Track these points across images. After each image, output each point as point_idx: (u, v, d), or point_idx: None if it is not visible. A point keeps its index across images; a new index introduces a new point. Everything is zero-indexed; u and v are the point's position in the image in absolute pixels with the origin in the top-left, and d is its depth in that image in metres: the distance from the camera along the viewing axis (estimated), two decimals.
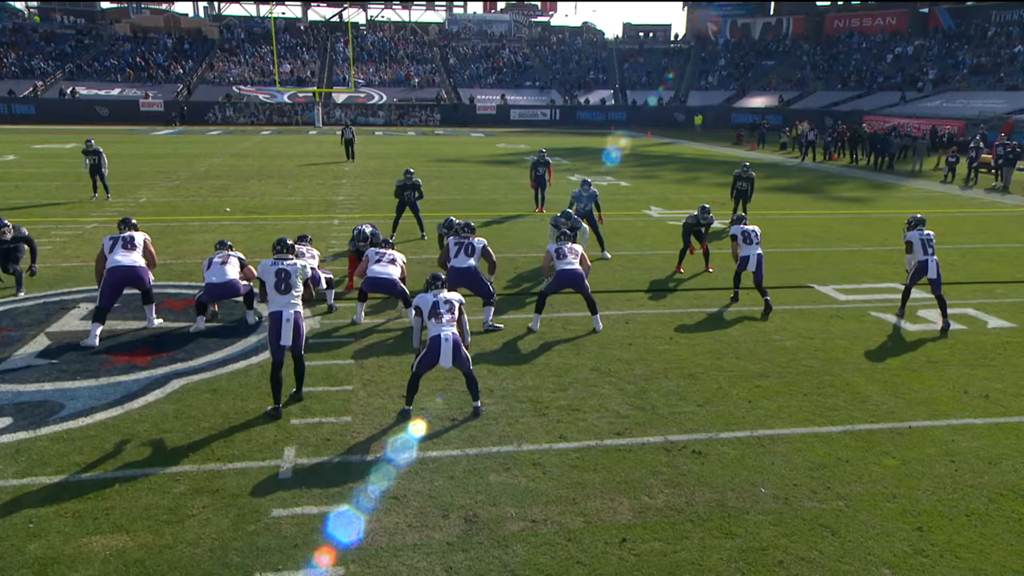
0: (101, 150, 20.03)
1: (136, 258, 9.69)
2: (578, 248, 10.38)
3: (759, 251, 11.09)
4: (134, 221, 10.31)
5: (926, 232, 10.71)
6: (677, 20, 68.36)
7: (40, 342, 9.48)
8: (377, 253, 10.44)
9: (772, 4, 64.99)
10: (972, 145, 26.67)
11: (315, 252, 11.19)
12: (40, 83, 51.99)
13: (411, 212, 16.03)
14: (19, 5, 63.87)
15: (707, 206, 13.02)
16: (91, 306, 10.81)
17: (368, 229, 11.65)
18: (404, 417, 7.53)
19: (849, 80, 52.27)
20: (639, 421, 7.51)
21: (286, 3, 64.72)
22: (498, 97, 56.16)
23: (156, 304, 10.27)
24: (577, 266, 10.01)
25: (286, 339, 7.36)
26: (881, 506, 6.09)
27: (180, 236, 15.81)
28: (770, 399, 8.07)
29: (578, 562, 5.34)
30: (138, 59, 57.27)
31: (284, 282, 7.43)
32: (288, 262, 7.53)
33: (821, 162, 32.56)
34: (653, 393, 8.16)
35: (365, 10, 66.58)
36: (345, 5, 62.69)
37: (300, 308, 7.59)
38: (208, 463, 6.60)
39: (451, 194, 22.40)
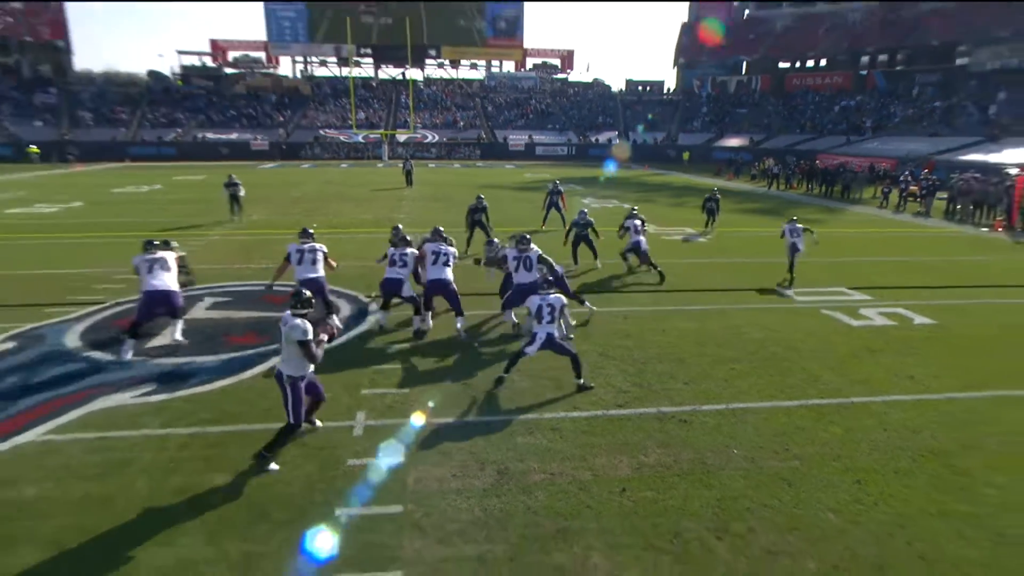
0: (239, 182, 19.96)
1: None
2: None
3: (641, 238, 12.71)
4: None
5: (797, 225, 12.88)
6: (669, 77, 68.14)
7: (178, 325, 9.48)
8: (433, 254, 9.27)
9: (744, 66, 64.58)
10: (902, 179, 26.47)
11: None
12: (180, 130, 52.69)
13: (480, 231, 15.03)
14: (165, 70, 64.87)
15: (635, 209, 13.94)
16: (215, 300, 10.90)
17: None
18: (499, 383, 7.59)
19: (805, 126, 51.88)
20: (637, 396, 7.45)
21: (361, 66, 64.91)
22: (526, 137, 55.89)
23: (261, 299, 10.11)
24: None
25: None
26: (828, 464, 6.06)
27: (278, 247, 15.83)
28: (742, 379, 7.97)
29: (587, 507, 5.33)
30: (250, 111, 57.80)
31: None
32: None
33: (783, 190, 32.23)
34: (648, 373, 8.08)
35: (422, 69, 66.73)
36: (407, 66, 62.73)
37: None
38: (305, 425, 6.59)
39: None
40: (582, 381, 7.57)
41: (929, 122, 44.57)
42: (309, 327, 5.53)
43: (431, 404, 7.12)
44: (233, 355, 8.43)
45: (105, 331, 9.29)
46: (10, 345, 8.68)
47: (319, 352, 5.64)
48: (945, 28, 50.12)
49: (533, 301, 7.49)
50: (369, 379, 7.77)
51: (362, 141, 53.50)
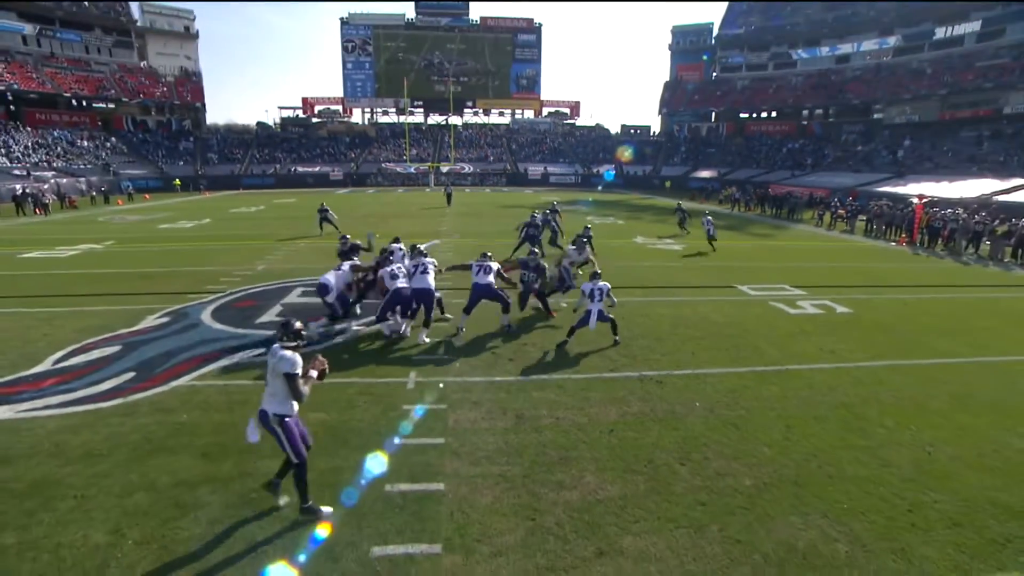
0: (329, 208, 20.19)
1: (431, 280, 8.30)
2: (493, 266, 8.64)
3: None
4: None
5: (709, 217, 12.63)
6: (655, 123, 67.66)
7: (276, 308, 9.85)
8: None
9: (713, 115, 63.79)
10: (833, 204, 26.28)
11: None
12: (278, 165, 53.53)
13: (528, 243, 14.15)
14: (269, 121, 65.95)
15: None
16: (304, 290, 11.21)
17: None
18: (561, 347, 7.98)
19: (760, 162, 51.26)
20: (624, 363, 7.54)
21: (414, 114, 65.32)
22: (542, 168, 55.82)
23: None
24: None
25: None
26: (766, 413, 6.14)
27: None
28: (705, 352, 8.03)
29: (583, 442, 5.50)
30: (330, 149, 58.54)
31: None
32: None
33: (743, 211, 31.86)
34: (634, 347, 8.16)
35: (461, 116, 67.00)
36: (449, 114, 63.08)
37: None
38: (366, 377, 6.90)
39: (509, 224, 22.36)
40: (617, 338, 8.24)
41: (853, 161, 44.21)
42: (299, 360, 4.12)
43: (466, 367, 7.33)
44: (320, 330, 8.72)
45: (228, 311, 9.68)
46: (165, 319, 9.13)
47: (306, 390, 4.15)
48: (865, 91, 50.13)
49: (586, 287, 7.90)
50: (420, 349, 7.98)
51: (414, 172, 53.88)
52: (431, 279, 8.26)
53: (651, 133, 69.00)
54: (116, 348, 7.78)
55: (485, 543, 4.01)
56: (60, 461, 4.97)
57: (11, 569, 3.72)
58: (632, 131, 68.64)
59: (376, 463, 4.97)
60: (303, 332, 4.32)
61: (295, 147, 58.05)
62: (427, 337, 8.19)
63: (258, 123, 65.82)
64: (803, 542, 4.14)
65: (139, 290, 11.22)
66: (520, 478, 4.82)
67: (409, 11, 72.21)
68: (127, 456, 5.07)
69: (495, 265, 8.65)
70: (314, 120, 63.83)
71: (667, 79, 68.05)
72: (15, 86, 46.83)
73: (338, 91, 64.41)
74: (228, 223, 23.66)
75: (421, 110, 65.88)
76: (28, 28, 50.56)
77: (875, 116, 50.27)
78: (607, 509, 4.43)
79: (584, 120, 75.52)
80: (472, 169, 55.61)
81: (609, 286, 8.01)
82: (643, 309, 10.27)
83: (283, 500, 4.39)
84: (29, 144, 43.42)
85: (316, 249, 16.55)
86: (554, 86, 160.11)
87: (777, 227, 24.92)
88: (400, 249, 9.51)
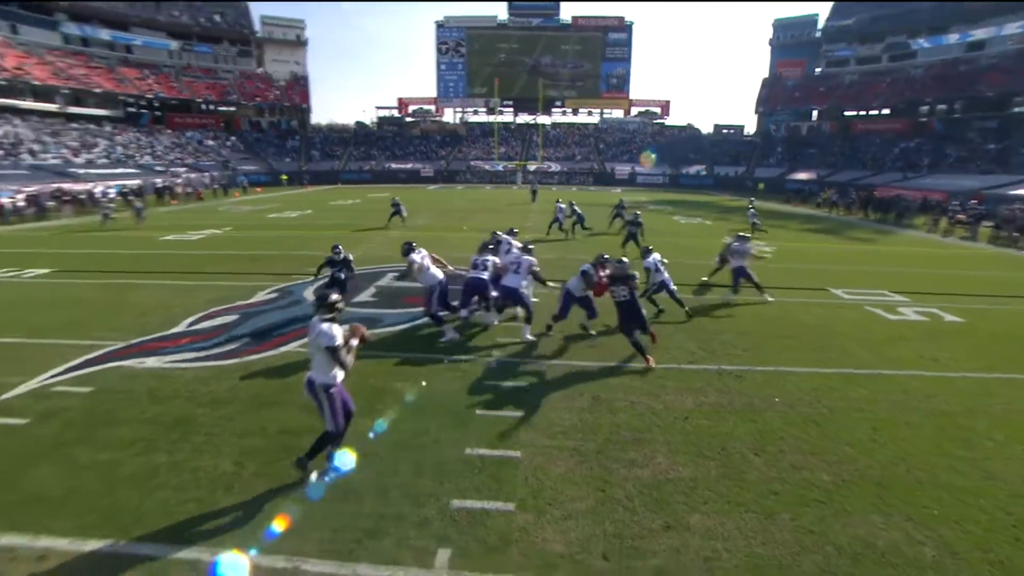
0: (401, 203, 21.17)
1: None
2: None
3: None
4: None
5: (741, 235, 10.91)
6: (749, 122, 63.66)
7: (371, 291, 10.59)
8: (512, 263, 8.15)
9: (815, 113, 59.56)
10: (951, 208, 23.78)
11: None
12: (374, 162, 56.54)
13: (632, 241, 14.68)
14: (366, 120, 69.77)
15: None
16: (395, 275, 11.92)
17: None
18: (658, 313, 9.02)
19: (866, 164, 47.15)
20: (703, 356, 7.45)
21: (503, 113, 66.41)
22: (629, 168, 55.01)
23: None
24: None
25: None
26: (851, 414, 5.89)
27: (437, 242, 16.94)
28: (790, 351, 7.75)
29: (657, 426, 5.56)
30: (422, 147, 60.98)
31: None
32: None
33: (842, 215, 29.71)
34: (714, 342, 8.02)
35: (549, 116, 67.22)
36: (538, 114, 63.62)
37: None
38: (454, 355, 7.29)
39: (595, 221, 22.35)
40: (687, 308, 9.17)
41: (982, 161, 39.38)
42: (338, 333, 4.21)
43: (547, 351, 7.56)
44: (408, 310, 9.28)
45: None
46: (274, 295, 10.19)
47: (349, 359, 4.27)
48: (1004, 81, 44.06)
49: (650, 262, 8.96)
50: (502, 330, 8.32)
51: (502, 170, 54.86)
52: (519, 278, 7.97)
53: (744, 133, 65.67)
54: (235, 317, 8.79)
55: (556, 507, 4.23)
56: (194, 404, 5.77)
57: (164, 480, 4.47)
58: (725, 131, 65.66)
59: (457, 429, 5.33)
60: (338, 305, 4.39)
61: (389, 145, 61.02)
62: (530, 334, 7.94)
63: (356, 122, 69.82)
64: (883, 541, 3.99)
65: (252, 269, 12.49)
66: (593, 453, 4.99)
67: (502, 12, 73.56)
68: (244, 406, 5.78)
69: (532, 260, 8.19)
70: (408, 119, 66.69)
71: (765, 76, 64.52)
72: (161, 94, 53.18)
73: (431, 91, 66.91)
74: (328, 213, 25.47)
75: (510, 109, 66.86)
76: (173, 44, 57.47)
77: (1015, 110, 44.17)
78: (676, 488, 4.50)
79: (674, 120, 73.47)
80: (559, 168, 55.75)
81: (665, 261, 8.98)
82: (727, 307, 10.03)
83: (314, 476, 4.47)
84: (168, 144, 48.94)
85: (407, 238, 17.43)
86: (644, 85, 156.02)
87: (881, 232, 23.05)
88: (509, 242, 9.30)
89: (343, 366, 4.27)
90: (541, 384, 6.46)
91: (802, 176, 48.05)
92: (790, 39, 62.33)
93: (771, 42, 63.70)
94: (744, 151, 58.27)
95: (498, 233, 9.74)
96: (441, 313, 7.87)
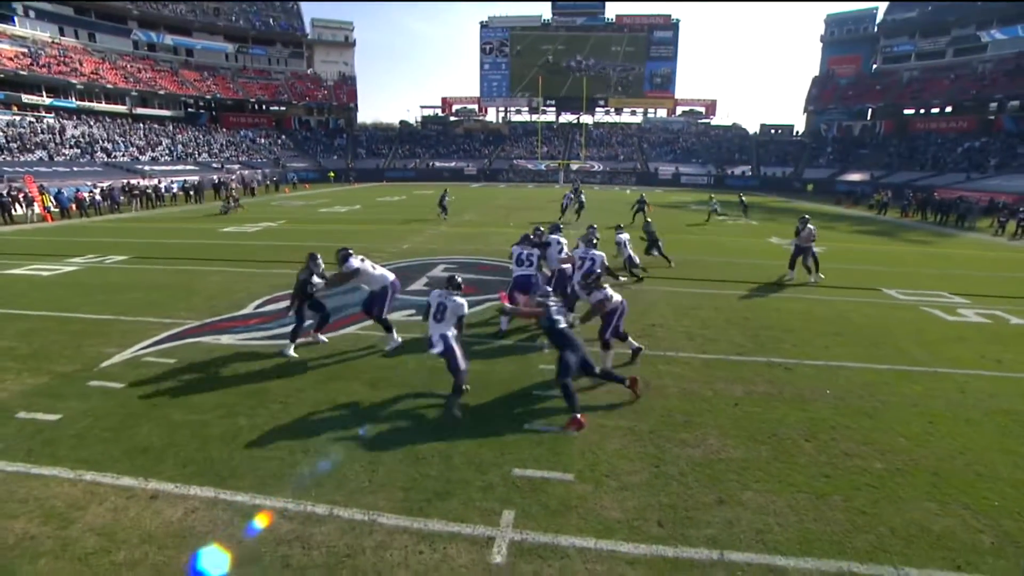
0: (446, 194, 22.51)
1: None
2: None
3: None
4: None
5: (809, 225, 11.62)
6: (798, 121, 61.10)
7: (423, 281, 11.01)
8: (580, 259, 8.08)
9: (869, 111, 57.25)
10: (1021, 211, 22.26)
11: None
12: (418, 160, 57.67)
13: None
14: (411, 119, 71.04)
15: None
16: (446, 266, 12.34)
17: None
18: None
19: (925, 164, 44.97)
20: (751, 349, 7.51)
21: (546, 112, 66.59)
22: (673, 168, 54.30)
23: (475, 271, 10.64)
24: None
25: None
26: (906, 409, 5.86)
27: (483, 238, 17.34)
28: (840, 347, 7.69)
29: (707, 411, 5.70)
30: (465, 146, 61.80)
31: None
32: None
33: (897, 218, 28.58)
34: (762, 337, 8.05)
35: (592, 115, 66.97)
36: (581, 113, 63.53)
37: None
38: (507, 339, 7.58)
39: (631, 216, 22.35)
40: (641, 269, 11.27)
41: None
42: (466, 303, 5.46)
43: (591, 337, 7.77)
44: (469, 299, 9.61)
45: None
46: None
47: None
48: None
49: (620, 238, 11.28)
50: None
51: (544, 169, 55.05)
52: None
53: (794, 132, 63.73)
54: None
55: (613, 479, 4.45)
56: (266, 377, 6.25)
57: (248, 439, 4.92)
58: (772, 130, 63.91)
59: (514, 407, 5.61)
60: (462, 285, 5.64)
61: (433, 143, 62.09)
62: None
63: (401, 122, 71.29)
64: (938, 526, 4.04)
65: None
66: (646, 433, 5.18)
67: (546, 12, 73.67)
68: (313, 380, 6.22)
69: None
70: (452, 119, 67.67)
71: (815, 74, 62.55)
72: (217, 95, 55.80)
73: (475, 91, 67.65)
74: (375, 209, 26.27)
75: (553, 109, 67.00)
76: (230, 47, 60.28)
77: None
78: (728, 467, 4.65)
79: (720, 119, 71.92)
80: (601, 168, 55.52)
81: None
82: (774, 304, 10.00)
83: (457, 412, 5.37)
84: (223, 143, 51.26)
85: (455, 233, 17.90)
86: (689, 84, 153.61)
87: (939, 234, 22.15)
88: (559, 241, 8.85)
89: (461, 328, 5.56)
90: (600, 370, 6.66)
91: (854, 177, 46.34)
92: (844, 35, 60.20)
93: (823, 38, 61.69)
94: (792, 151, 56.63)
95: (540, 228, 9.22)
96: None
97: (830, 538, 3.86)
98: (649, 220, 15.19)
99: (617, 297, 6.44)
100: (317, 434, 5.04)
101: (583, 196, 26.54)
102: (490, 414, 5.48)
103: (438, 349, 5.35)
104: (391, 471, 4.48)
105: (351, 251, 7.09)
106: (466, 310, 5.49)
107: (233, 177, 38.23)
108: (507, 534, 3.78)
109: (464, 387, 5.51)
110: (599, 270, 7.71)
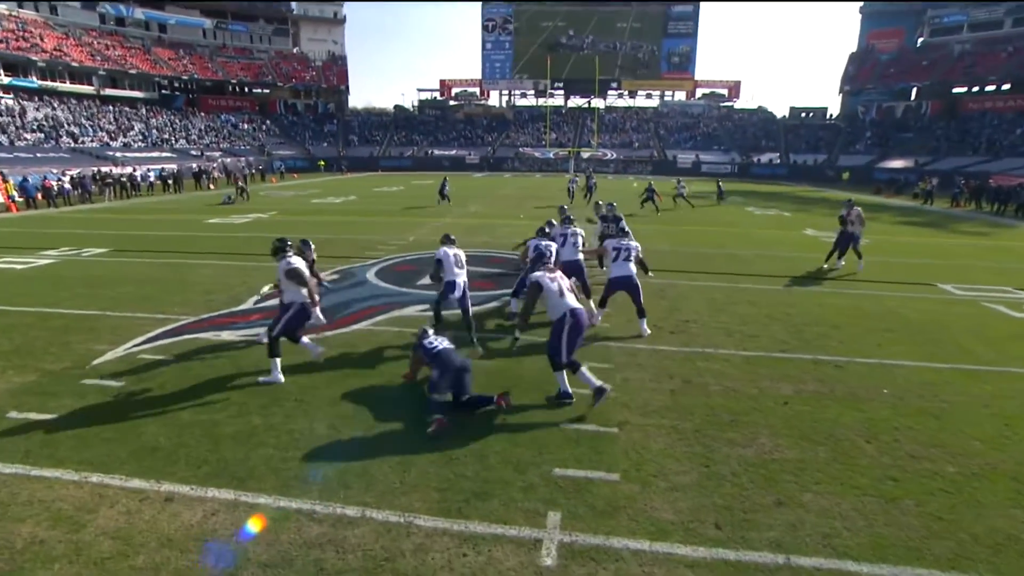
0: (446, 184, 23.30)
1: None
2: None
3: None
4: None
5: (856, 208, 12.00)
6: (832, 103, 60.47)
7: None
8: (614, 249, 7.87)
9: (914, 91, 56.71)
10: None
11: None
12: (415, 148, 57.87)
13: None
14: (406, 104, 71.31)
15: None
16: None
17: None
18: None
19: (979, 148, 44.40)
20: (796, 346, 7.55)
21: (554, 96, 66.72)
22: (693, 155, 54.41)
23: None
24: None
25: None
26: (977, 410, 5.87)
27: (490, 229, 17.44)
28: (893, 344, 7.73)
29: (755, 409, 5.73)
30: (466, 132, 61.99)
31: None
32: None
33: (947, 207, 28.46)
34: (807, 332, 8.10)
35: (604, 99, 67.09)
36: (592, 96, 63.64)
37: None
38: (532, 335, 7.62)
39: (646, 206, 22.50)
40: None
41: None
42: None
43: (629, 335, 7.83)
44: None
45: (390, 272, 11.20)
46: (336, 276, 10.86)
47: None
48: None
49: (609, 243, 9.68)
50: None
51: (552, 157, 55.18)
52: (577, 253, 8.34)
53: (827, 116, 63.61)
54: None
55: (661, 479, 4.51)
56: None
57: (264, 439, 4.99)
58: (803, 114, 63.81)
59: (548, 406, 5.68)
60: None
61: (432, 130, 62.30)
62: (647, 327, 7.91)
63: (396, 106, 71.67)
64: None
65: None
66: (692, 432, 5.24)
67: None
68: (328, 377, 6.30)
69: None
70: (451, 103, 67.85)
71: (852, 50, 62.48)
72: (195, 76, 56.02)
73: (476, 73, 67.83)
74: (373, 200, 26.45)
75: (561, 92, 67.18)
76: (207, 23, 60.55)
77: None
78: (784, 468, 4.70)
79: (744, 102, 72.09)
80: (615, 156, 55.66)
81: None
82: (816, 298, 10.06)
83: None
84: (203, 128, 51.50)
85: (460, 225, 17.97)
86: (711, 64, 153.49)
87: (996, 225, 22.14)
88: (575, 232, 8.73)
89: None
90: (629, 367, 6.74)
91: (896, 164, 46.17)
92: (886, 5, 59.93)
93: (862, 10, 61.62)
94: (825, 136, 56.59)
95: (553, 222, 9.07)
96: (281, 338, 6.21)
97: (905, 544, 3.90)
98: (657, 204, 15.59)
99: (569, 302, 5.67)
100: (338, 432, 5.11)
101: (593, 181, 27.09)
102: (522, 413, 5.54)
103: (459, 293, 7.10)
104: (423, 472, 4.55)
105: (289, 243, 6.54)
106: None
107: (215, 165, 38.41)
108: (555, 536, 3.84)
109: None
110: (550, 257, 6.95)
